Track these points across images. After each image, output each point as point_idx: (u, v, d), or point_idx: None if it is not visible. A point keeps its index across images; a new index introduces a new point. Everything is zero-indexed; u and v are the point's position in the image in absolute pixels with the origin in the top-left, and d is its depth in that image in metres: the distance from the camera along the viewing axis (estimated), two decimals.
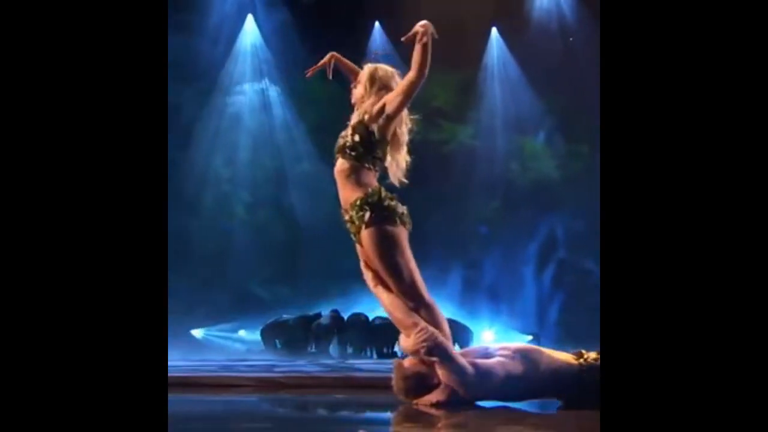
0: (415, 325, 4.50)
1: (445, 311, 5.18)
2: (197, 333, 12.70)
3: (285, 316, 12.07)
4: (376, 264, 4.59)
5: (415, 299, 4.55)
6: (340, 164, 4.70)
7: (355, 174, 4.64)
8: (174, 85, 13.00)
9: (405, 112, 4.78)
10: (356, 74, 5.08)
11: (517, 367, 4.47)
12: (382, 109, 4.63)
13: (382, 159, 4.74)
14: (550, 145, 13.52)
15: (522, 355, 4.54)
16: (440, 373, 4.52)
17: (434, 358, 4.48)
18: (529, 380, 4.47)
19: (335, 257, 12.96)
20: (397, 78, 4.79)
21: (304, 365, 8.66)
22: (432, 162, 13.59)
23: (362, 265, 4.74)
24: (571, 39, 12.67)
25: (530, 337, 11.18)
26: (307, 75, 5.22)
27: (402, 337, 4.66)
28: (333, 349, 11.77)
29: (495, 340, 11.27)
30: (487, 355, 4.59)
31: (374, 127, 4.62)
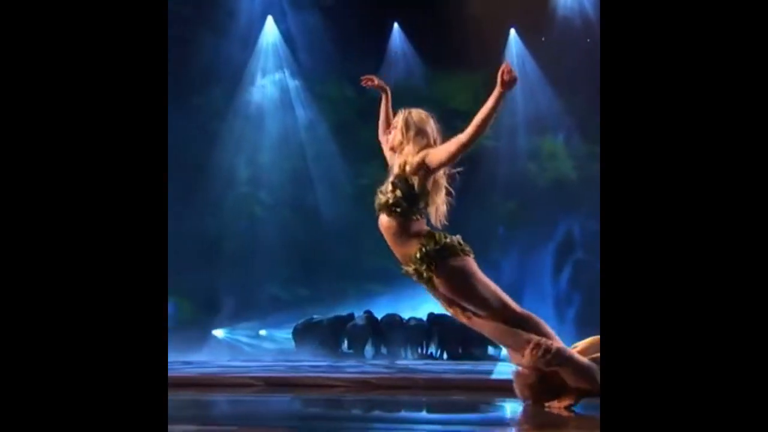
0: (527, 342, 4.45)
1: None
2: (218, 333, 12.75)
3: (316, 317, 12.09)
4: (461, 301, 4.56)
5: (511, 317, 4.52)
6: (387, 222, 4.62)
7: (404, 229, 4.59)
8: (207, 87, 13.16)
9: None
10: (388, 117, 5.01)
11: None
12: (423, 162, 4.57)
13: (426, 206, 4.65)
14: (568, 145, 13.50)
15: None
16: (566, 377, 4.50)
17: (556, 367, 4.47)
18: None
19: (354, 258, 13.03)
20: (432, 122, 4.71)
21: (375, 367, 8.71)
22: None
23: (444, 305, 4.70)
24: (588, 40, 12.63)
25: None
26: (362, 82, 5.20)
27: (512, 354, 4.65)
28: (368, 350, 11.77)
29: None
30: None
31: (414, 180, 4.56)
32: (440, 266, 4.49)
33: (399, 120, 4.71)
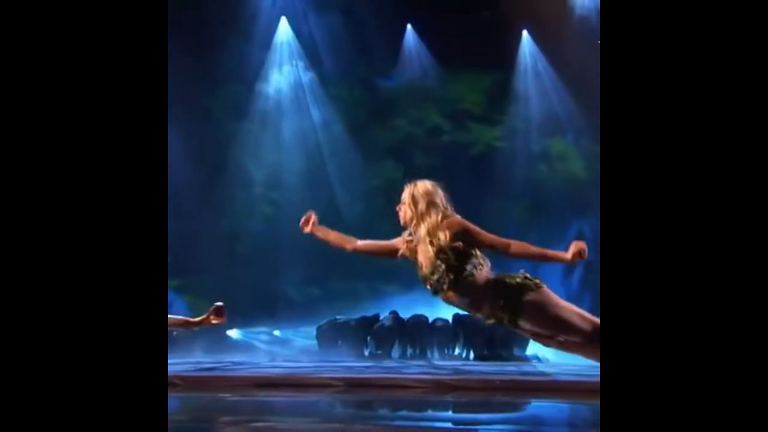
0: None
1: None
2: (233, 333, 12.81)
3: (340, 317, 12.11)
4: (551, 332, 4.53)
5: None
6: (455, 296, 4.58)
7: (472, 290, 4.53)
8: (224, 87, 13.22)
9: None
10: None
11: None
12: (459, 231, 4.51)
13: (476, 254, 4.51)
14: (578, 146, 13.52)
15: None
16: None
17: None
18: None
19: (366, 258, 13.03)
20: (439, 191, 4.60)
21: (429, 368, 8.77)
22: (460, 163, 13.68)
23: (537, 340, 4.67)
24: (598, 42, 12.64)
25: None
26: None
27: None
28: (395, 350, 11.80)
29: None
30: None
31: (455, 245, 4.50)
32: (520, 308, 4.50)
33: (406, 195, 4.64)
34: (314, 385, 6.98)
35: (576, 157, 13.49)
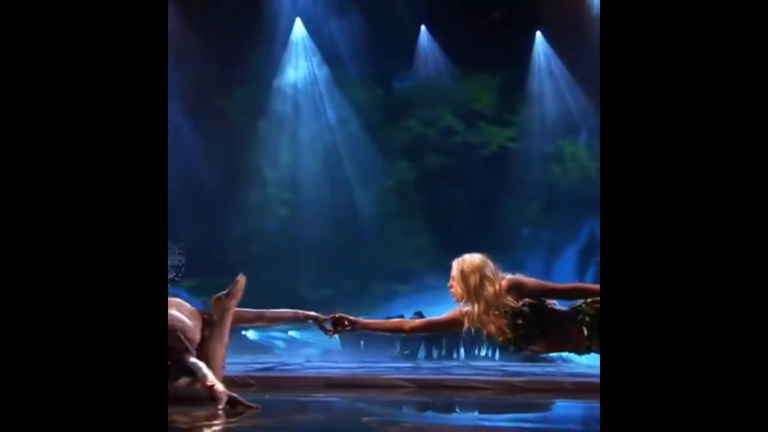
0: None
1: None
2: (249, 334, 12.83)
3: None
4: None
5: None
6: (545, 343, 4.65)
7: (555, 333, 4.58)
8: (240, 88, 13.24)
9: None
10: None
11: None
12: (520, 293, 4.56)
13: (545, 304, 4.58)
14: (591, 147, 13.51)
15: None
16: None
17: None
18: None
19: (379, 259, 13.08)
20: (489, 263, 4.63)
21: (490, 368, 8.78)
22: (473, 164, 13.68)
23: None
24: None
25: None
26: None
27: None
28: (421, 351, 11.80)
29: None
30: None
31: (522, 302, 4.54)
32: (595, 344, 4.47)
33: (455, 271, 4.65)
34: (385, 386, 7.00)
35: (589, 158, 13.47)
